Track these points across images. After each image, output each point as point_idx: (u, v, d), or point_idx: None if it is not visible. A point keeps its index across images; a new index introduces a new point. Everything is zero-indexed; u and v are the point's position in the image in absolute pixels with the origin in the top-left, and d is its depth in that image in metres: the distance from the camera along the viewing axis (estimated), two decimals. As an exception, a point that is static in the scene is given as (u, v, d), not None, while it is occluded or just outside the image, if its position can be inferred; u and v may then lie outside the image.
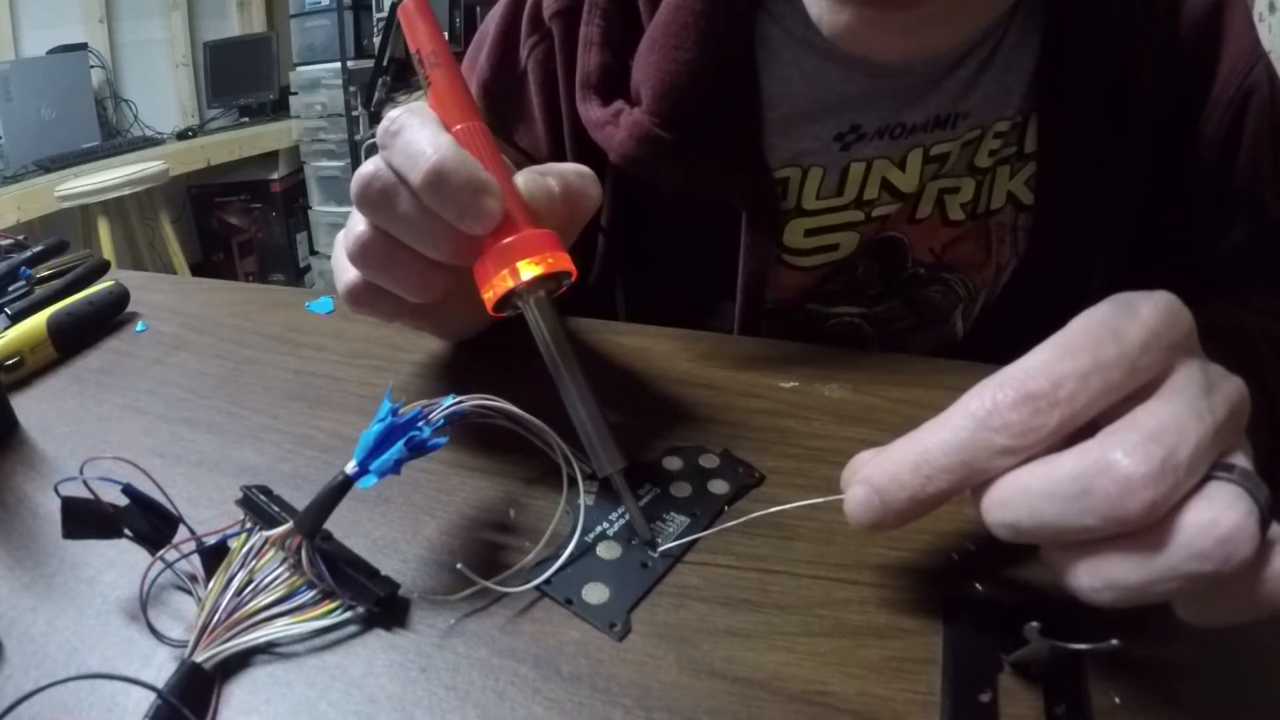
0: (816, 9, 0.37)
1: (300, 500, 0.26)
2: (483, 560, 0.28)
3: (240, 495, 0.27)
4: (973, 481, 0.21)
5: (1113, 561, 0.20)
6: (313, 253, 3.18)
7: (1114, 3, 0.41)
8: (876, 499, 0.22)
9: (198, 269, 3.05)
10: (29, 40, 2.54)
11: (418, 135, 0.28)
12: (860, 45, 0.37)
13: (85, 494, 0.25)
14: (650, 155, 0.41)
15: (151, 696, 0.21)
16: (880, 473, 0.22)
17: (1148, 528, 0.19)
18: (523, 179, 0.30)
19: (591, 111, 0.43)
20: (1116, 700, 0.22)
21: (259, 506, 0.27)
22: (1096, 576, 0.20)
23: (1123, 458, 0.19)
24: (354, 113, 2.80)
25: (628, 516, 0.28)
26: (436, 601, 0.26)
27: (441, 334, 0.40)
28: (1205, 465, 0.19)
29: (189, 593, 0.26)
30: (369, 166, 0.28)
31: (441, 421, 0.25)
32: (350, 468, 0.24)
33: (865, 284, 0.49)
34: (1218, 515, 0.18)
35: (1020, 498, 0.20)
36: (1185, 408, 0.20)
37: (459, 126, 0.30)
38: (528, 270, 0.28)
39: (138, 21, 2.85)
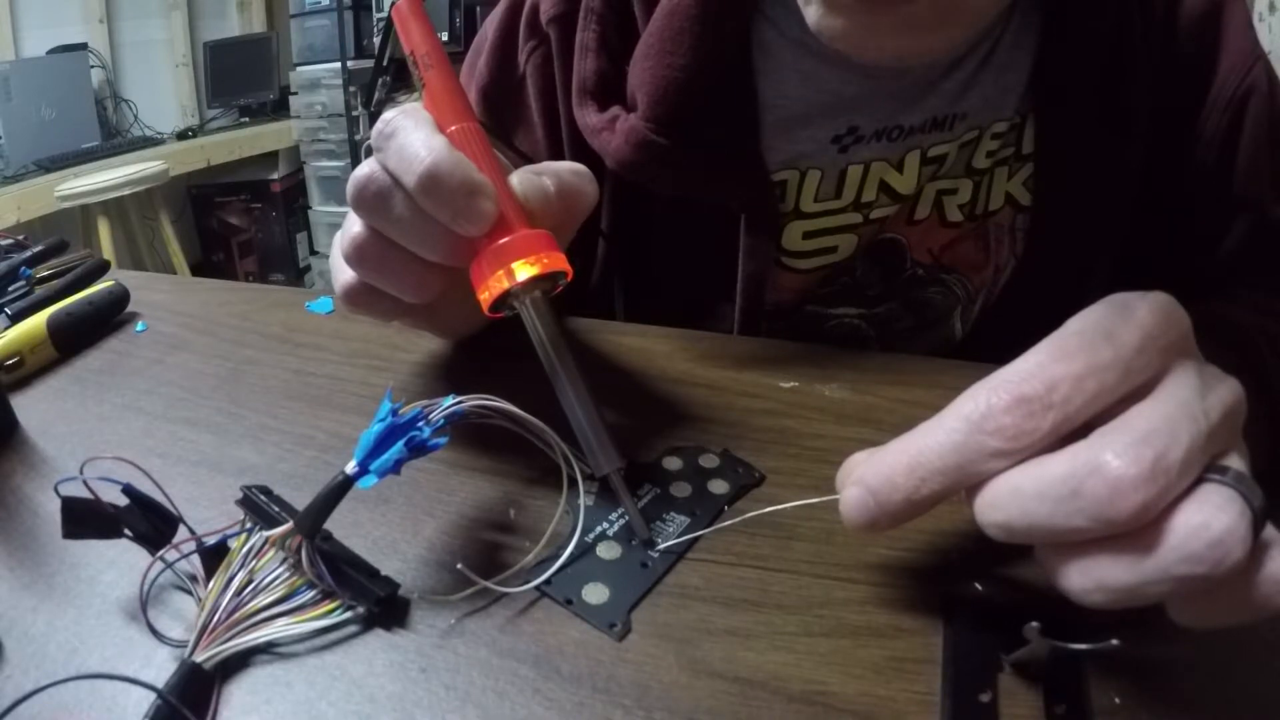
0: (813, 16, 0.37)
1: (300, 500, 0.26)
2: (483, 560, 0.28)
3: (240, 495, 0.27)
4: (966, 484, 0.21)
5: (1104, 563, 0.20)
6: (313, 253, 3.18)
7: (1111, 3, 0.41)
8: (871, 500, 0.22)
9: (198, 269, 3.05)
10: (29, 40, 2.54)
11: (412, 137, 0.28)
12: (856, 48, 0.37)
13: (85, 494, 0.25)
14: (647, 161, 0.41)
15: (151, 696, 0.21)
16: (875, 474, 0.22)
17: (1139, 530, 0.19)
18: (518, 179, 0.30)
19: (588, 117, 0.43)
20: (1116, 700, 0.22)
21: (259, 506, 0.27)
22: (1087, 577, 0.20)
23: (1113, 459, 0.19)
24: (354, 113, 2.80)
25: (627, 517, 0.28)
26: (436, 601, 0.26)
27: (439, 333, 0.40)
28: (1198, 467, 0.19)
29: (189, 593, 0.26)
30: (364, 169, 0.29)
31: (441, 422, 0.25)
32: (350, 468, 0.24)
33: (864, 285, 0.49)
34: (1209, 518, 0.18)
35: (1012, 498, 0.20)
36: (1179, 409, 0.20)
37: (454, 128, 0.30)
38: (523, 271, 0.28)
39: (138, 21, 2.85)
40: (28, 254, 0.51)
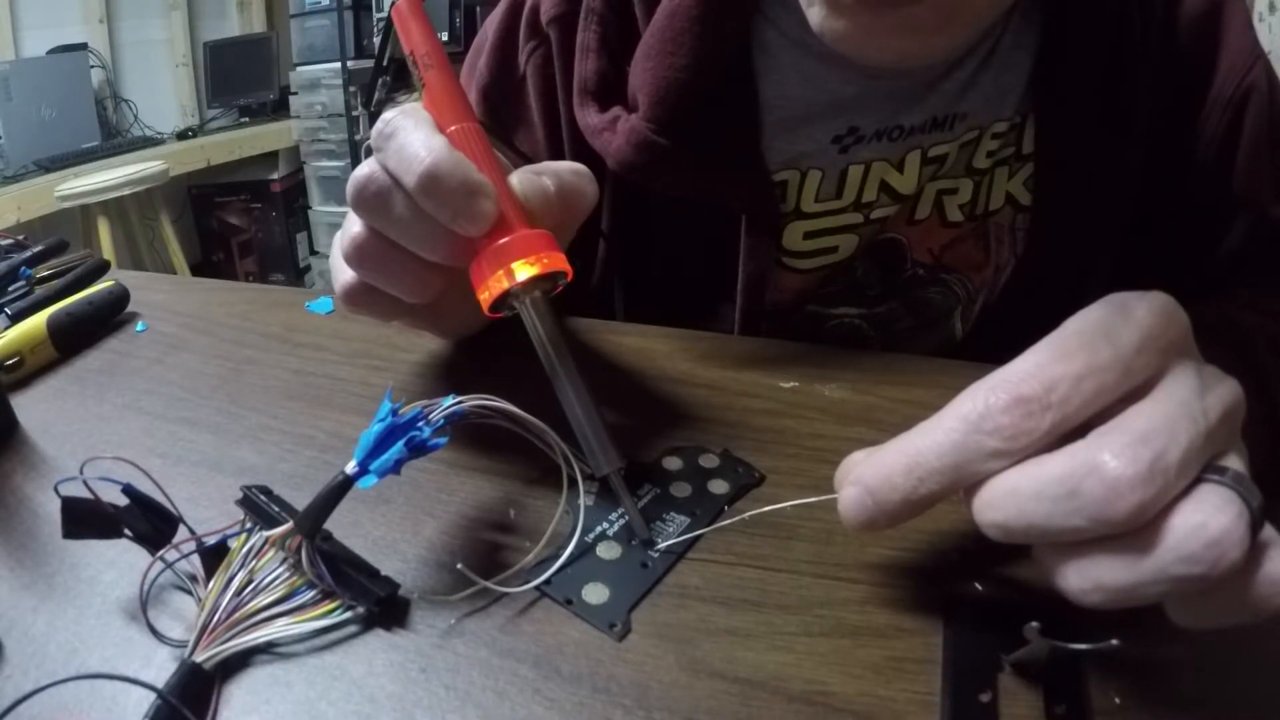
0: (816, 18, 0.37)
1: (300, 500, 0.26)
2: (483, 560, 0.28)
3: (240, 495, 0.27)
4: (965, 484, 0.21)
5: (1101, 563, 0.20)
6: (313, 253, 3.18)
7: (1111, 3, 0.41)
8: (869, 500, 0.22)
9: (198, 269, 3.05)
10: (29, 40, 2.54)
11: (412, 137, 0.28)
12: (858, 49, 0.37)
13: (85, 494, 0.25)
14: (648, 161, 0.41)
15: (151, 696, 0.21)
16: (873, 474, 0.22)
17: (1137, 530, 0.19)
18: (518, 179, 0.30)
19: (589, 118, 0.43)
20: (1116, 700, 0.22)
21: (259, 506, 0.27)
22: (1085, 578, 0.20)
23: (1111, 459, 0.19)
24: (354, 113, 2.80)
25: (627, 517, 0.28)
26: (436, 601, 0.26)
27: (440, 333, 0.40)
28: (1196, 467, 0.19)
29: (189, 593, 0.26)
30: (364, 169, 0.29)
31: (441, 422, 0.25)
32: (350, 468, 0.24)
33: (864, 285, 0.49)
34: (1207, 518, 0.18)
35: (1009, 498, 0.20)
36: (1177, 409, 0.20)
37: (453, 128, 0.30)
38: (523, 271, 0.28)
39: (138, 21, 2.85)
40: (28, 254, 0.51)
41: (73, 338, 0.43)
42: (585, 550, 0.27)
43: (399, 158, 0.28)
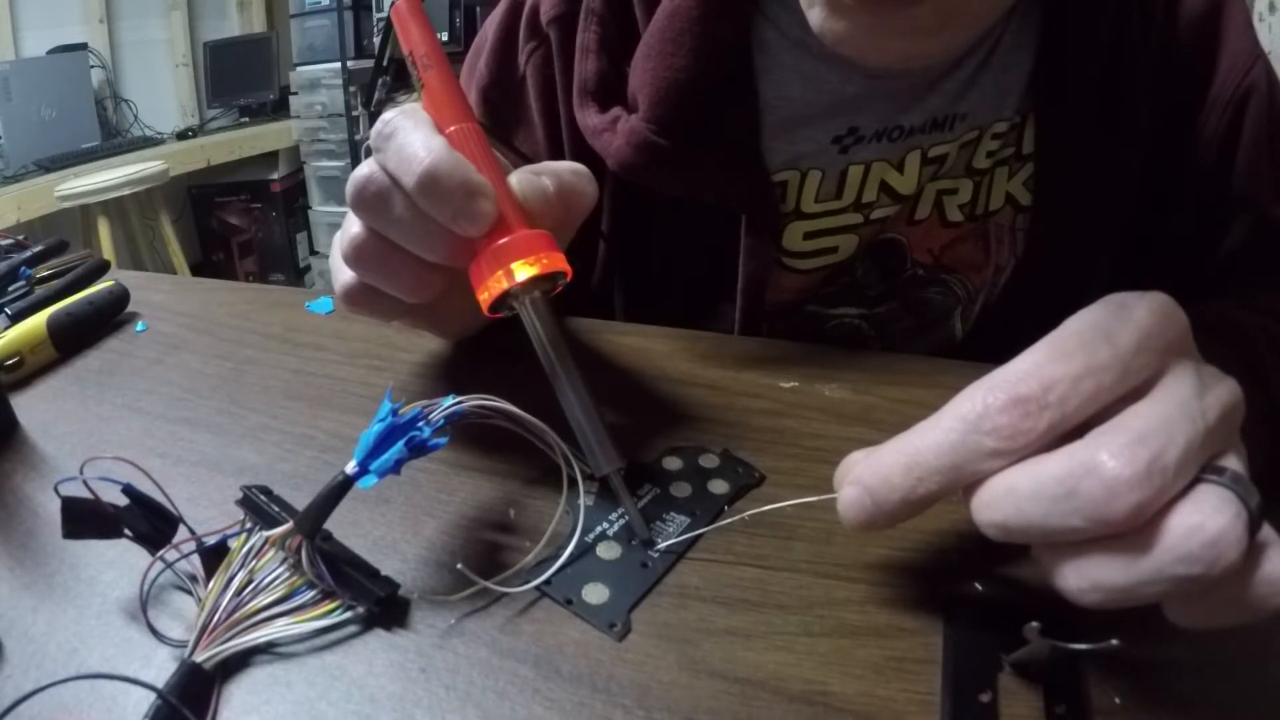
0: (816, 19, 0.37)
1: (300, 500, 0.26)
2: (483, 560, 0.28)
3: (240, 495, 0.27)
4: (963, 483, 0.21)
5: (1099, 563, 0.20)
6: (313, 253, 3.18)
7: (1111, 3, 0.41)
8: (868, 499, 0.22)
9: (198, 269, 3.05)
10: (29, 40, 2.54)
11: (411, 138, 0.28)
12: (859, 50, 0.37)
13: (85, 494, 0.25)
14: (648, 162, 0.41)
15: (151, 696, 0.21)
16: (872, 474, 0.22)
17: (1135, 530, 0.19)
18: (517, 179, 0.30)
19: (589, 118, 0.43)
20: (1116, 700, 0.22)
21: (259, 506, 0.27)
22: (1083, 577, 0.20)
23: (1109, 460, 0.19)
24: (354, 113, 2.80)
25: (627, 517, 0.28)
26: (436, 601, 0.26)
27: (439, 333, 0.40)
28: (1195, 467, 0.19)
29: (189, 593, 0.26)
30: (363, 169, 0.29)
31: (441, 422, 0.25)
32: (350, 468, 0.24)
33: (865, 285, 0.49)
34: (1205, 519, 0.18)
35: (1008, 498, 0.20)
36: (1176, 409, 0.20)
37: (453, 128, 0.30)
38: (522, 271, 0.28)
39: (138, 21, 2.85)
40: (28, 254, 0.51)
41: (73, 338, 0.43)
42: (585, 550, 0.27)
43: (398, 158, 0.28)
